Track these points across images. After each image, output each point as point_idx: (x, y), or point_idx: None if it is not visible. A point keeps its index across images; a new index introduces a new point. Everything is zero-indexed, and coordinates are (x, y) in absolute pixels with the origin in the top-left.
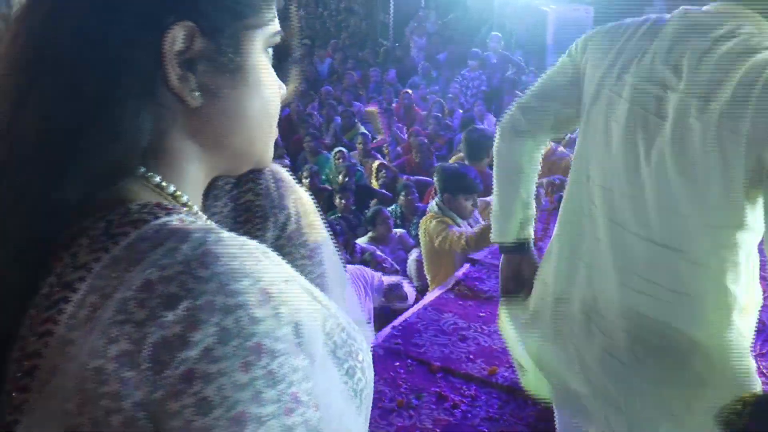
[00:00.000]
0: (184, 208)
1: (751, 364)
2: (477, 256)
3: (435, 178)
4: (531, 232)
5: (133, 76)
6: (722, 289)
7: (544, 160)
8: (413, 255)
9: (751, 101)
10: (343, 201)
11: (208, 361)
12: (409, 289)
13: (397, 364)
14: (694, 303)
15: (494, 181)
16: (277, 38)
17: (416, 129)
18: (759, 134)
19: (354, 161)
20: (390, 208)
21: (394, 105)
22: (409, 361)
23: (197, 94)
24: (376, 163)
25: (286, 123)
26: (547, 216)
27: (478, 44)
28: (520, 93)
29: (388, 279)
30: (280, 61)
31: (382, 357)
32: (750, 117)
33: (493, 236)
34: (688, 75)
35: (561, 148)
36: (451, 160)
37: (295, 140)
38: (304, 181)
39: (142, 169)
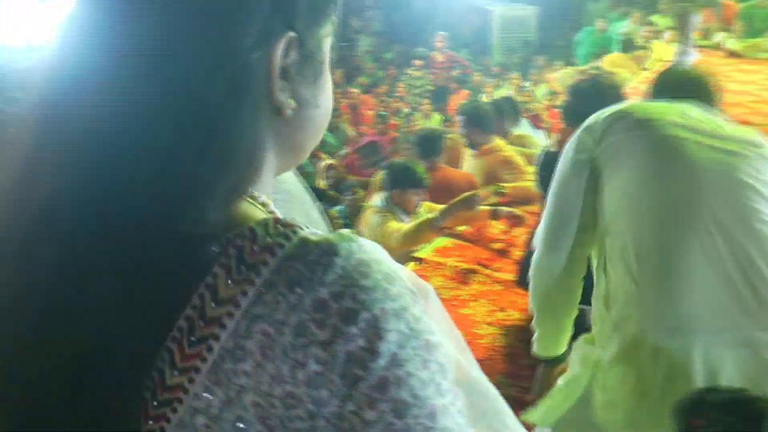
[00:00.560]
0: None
1: None
2: (423, 254)
3: (384, 174)
4: None
5: (250, 93)
6: None
7: None
8: None
9: None
10: None
11: (396, 366)
12: None
13: None
14: None
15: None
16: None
17: (362, 129)
18: None
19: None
20: (337, 209)
21: (340, 105)
22: None
23: (293, 104)
24: (323, 164)
25: None
26: None
27: (424, 44)
28: (467, 92)
29: None
30: None
31: None
32: None
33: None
34: None
35: None
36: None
37: None
38: None
39: None
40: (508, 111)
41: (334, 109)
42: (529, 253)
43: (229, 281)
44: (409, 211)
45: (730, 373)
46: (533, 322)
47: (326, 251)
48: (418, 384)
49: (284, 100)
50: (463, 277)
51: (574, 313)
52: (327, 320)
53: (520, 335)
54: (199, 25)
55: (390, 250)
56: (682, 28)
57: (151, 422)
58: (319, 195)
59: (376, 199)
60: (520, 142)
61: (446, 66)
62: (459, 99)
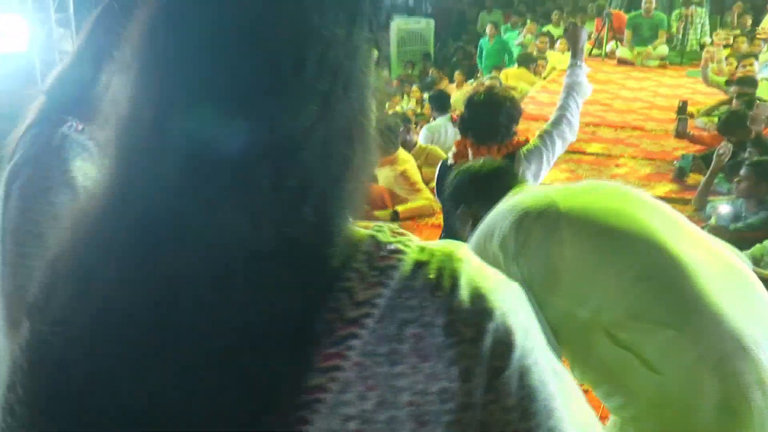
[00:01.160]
0: None
1: None
2: None
3: None
4: None
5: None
6: None
7: None
8: None
9: None
10: None
11: (525, 356)
12: None
13: None
14: None
15: None
16: None
17: None
18: None
19: None
20: None
21: None
22: None
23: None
24: None
25: None
26: None
27: None
28: None
29: None
30: None
31: None
32: None
33: None
34: None
35: None
36: None
37: None
38: None
39: None
40: (408, 123)
41: None
42: None
43: (364, 284)
44: None
45: None
46: None
47: (449, 257)
48: (539, 371)
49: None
50: None
51: None
52: (471, 319)
53: None
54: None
55: None
56: (572, 40)
57: (290, 424)
58: None
59: None
60: (424, 153)
61: None
62: None
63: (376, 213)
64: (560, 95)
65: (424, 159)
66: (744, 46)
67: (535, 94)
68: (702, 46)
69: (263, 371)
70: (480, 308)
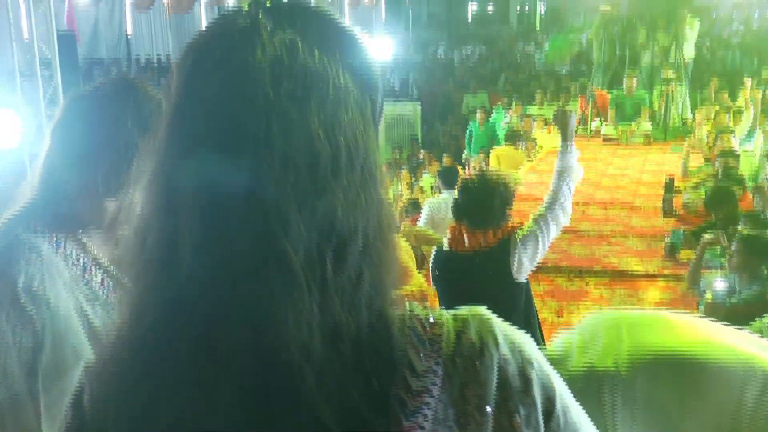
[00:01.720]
0: None
1: None
2: None
3: None
4: None
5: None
6: None
7: None
8: None
9: None
10: None
11: (563, 397)
12: None
13: None
14: None
15: None
16: None
17: None
18: None
19: None
20: None
21: None
22: None
23: None
24: None
25: None
26: None
27: None
28: None
29: None
30: None
31: None
32: None
33: None
34: None
35: None
36: None
37: None
38: None
39: None
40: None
41: None
42: None
43: (420, 357)
44: None
45: None
46: None
47: (481, 320)
48: (575, 406)
49: None
50: None
51: None
52: (517, 371)
53: None
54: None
55: None
56: (561, 124)
57: None
58: None
59: None
60: (412, 234)
61: None
62: None
63: None
64: (553, 179)
65: (414, 239)
66: (725, 121)
67: (524, 174)
68: (684, 122)
69: None
70: (522, 360)
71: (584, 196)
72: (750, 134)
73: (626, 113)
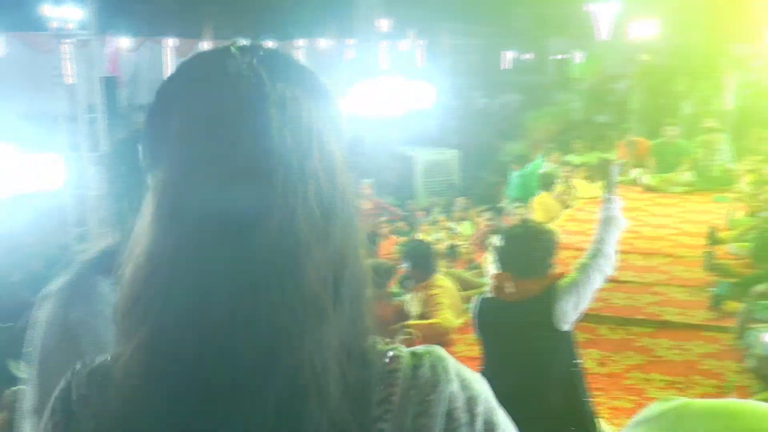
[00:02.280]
0: None
1: None
2: None
3: None
4: None
5: None
6: None
7: None
8: None
9: None
10: None
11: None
12: None
13: None
14: None
15: None
16: None
17: None
18: None
19: None
20: None
21: None
22: None
23: None
24: None
25: None
26: None
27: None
28: (395, 237)
29: None
30: None
31: None
32: None
33: None
34: None
35: None
36: None
37: None
38: None
39: None
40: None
41: None
42: None
43: (380, 387)
44: None
45: None
46: None
47: (435, 356)
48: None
49: None
50: None
51: None
52: (464, 406)
53: None
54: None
55: None
56: (604, 174)
57: None
58: None
59: None
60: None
61: (374, 213)
62: (389, 244)
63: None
64: (596, 229)
65: (459, 283)
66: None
67: (563, 223)
68: (726, 172)
69: None
70: (469, 396)
71: (625, 245)
72: None
73: (667, 162)
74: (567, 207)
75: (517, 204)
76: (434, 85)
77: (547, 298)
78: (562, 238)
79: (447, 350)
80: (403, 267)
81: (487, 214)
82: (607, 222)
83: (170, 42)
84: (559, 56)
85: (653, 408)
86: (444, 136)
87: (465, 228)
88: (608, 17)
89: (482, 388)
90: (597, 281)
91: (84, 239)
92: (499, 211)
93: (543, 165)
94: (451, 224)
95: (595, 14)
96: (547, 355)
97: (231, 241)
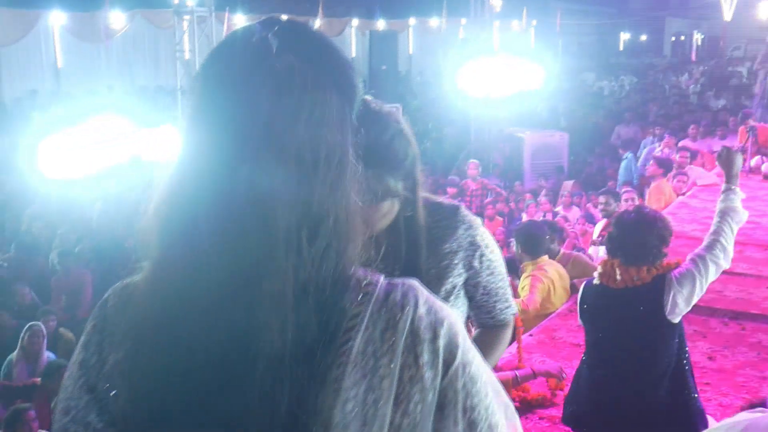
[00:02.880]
0: None
1: None
2: None
3: None
4: None
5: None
6: None
7: None
8: None
9: None
10: None
11: (466, 353)
12: None
13: None
14: None
15: None
16: None
17: None
18: None
19: None
20: None
21: None
22: None
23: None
24: None
25: None
26: None
27: (456, 171)
28: (500, 218)
29: None
30: None
31: None
32: None
33: None
34: None
35: None
36: None
37: None
38: None
39: None
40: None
41: None
42: None
43: (354, 306)
44: None
45: None
46: None
47: (409, 286)
48: (476, 363)
49: None
50: None
51: None
52: (428, 326)
53: None
54: None
55: None
56: (726, 163)
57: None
58: None
59: None
60: (569, 261)
61: (479, 193)
62: (494, 226)
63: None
64: (714, 218)
65: (571, 268)
66: None
67: (675, 210)
68: None
69: (302, 365)
70: (434, 319)
71: (742, 235)
72: None
73: None
74: (681, 194)
75: (628, 189)
76: (545, 66)
77: (657, 287)
78: (675, 226)
79: (550, 334)
80: (513, 246)
81: (602, 198)
82: (726, 213)
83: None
84: (677, 37)
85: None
86: (553, 117)
87: (573, 213)
88: None
89: (448, 315)
90: (712, 273)
91: None
92: (616, 196)
93: (657, 150)
94: (558, 208)
95: None
96: (653, 346)
97: (217, 182)
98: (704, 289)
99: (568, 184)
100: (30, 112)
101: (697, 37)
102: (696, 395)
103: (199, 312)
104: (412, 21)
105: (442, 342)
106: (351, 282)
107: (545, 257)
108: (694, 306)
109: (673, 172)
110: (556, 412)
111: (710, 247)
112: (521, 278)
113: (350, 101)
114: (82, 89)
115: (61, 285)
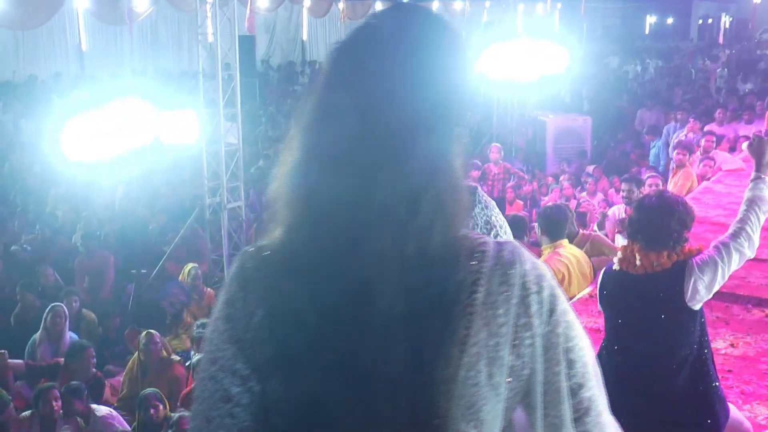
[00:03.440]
0: None
1: None
2: None
3: None
4: None
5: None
6: None
7: None
8: None
9: None
10: None
11: (564, 303)
12: None
13: None
14: None
15: None
16: None
17: None
18: None
19: None
20: None
21: None
22: None
23: None
24: None
25: None
26: None
27: (478, 155)
28: (521, 202)
29: None
30: None
31: None
32: None
33: None
34: None
35: None
36: None
37: None
38: None
39: None
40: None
41: None
42: None
43: (472, 264)
44: None
45: None
46: None
47: (514, 246)
48: (570, 310)
49: None
50: None
51: None
52: (534, 280)
53: None
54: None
55: None
56: (756, 151)
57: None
58: None
59: None
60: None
61: (501, 177)
62: (514, 210)
63: None
64: (741, 206)
65: (590, 248)
66: None
67: (699, 195)
68: None
69: (430, 318)
70: (538, 273)
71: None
72: None
73: None
74: (705, 179)
75: (653, 174)
76: (569, 49)
77: (678, 273)
78: (698, 212)
79: None
80: (535, 228)
81: (624, 185)
82: (753, 202)
83: (306, 2)
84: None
85: None
86: (577, 102)
87: (597, 199)
88: None
89: (546, 270)
90: (735, 262)
91: (215, 193)
92: (639, 183)
93: (681, 134)
94: (582, 195)
95: None
96: (673, 334)
97: (343, 166)
98: (726, 277)
99: (591, 169)
100: (54, 95)
101: (725, 20)
102: (717, 383)
103: (325, 269)
104: (435, 4)
105: (546, 293)
106: (465, 244)
107: (564, 241)
108: (717, 292)
109: (699, 157)
110: None
111: (735, 235)
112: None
113: (460, 87)
114: (106, 72)
115: (84, 267)
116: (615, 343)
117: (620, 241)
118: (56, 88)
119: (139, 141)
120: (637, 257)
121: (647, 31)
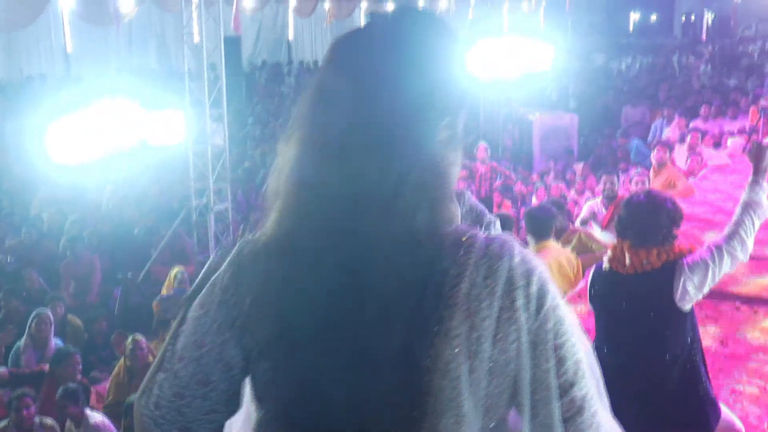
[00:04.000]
0: None
1: None
2: None
3: None
4: None
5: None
6: None
7: None
8: None
9: None
10: None
11: (554, 298)
12: None
13: None
14: None
15: None
16: None
17: None
18: None
19: None
20: None
21: None
22: None
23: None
24: None
25: None
26: None
27: (465, 155)
28: (509, 202)
29: None
30: None
31: None
32: None
33: None
34: None
35: None
36: None
37: None
38: None
39: None
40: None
41: None
42: None
43: (459, 255)
44: None
45: None
46: None
47: (506, 239)
48: (563, 307)
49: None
50: None
51: None
52: (523, 274)
53: None
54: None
55: None
56: (755, 156)
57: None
58: None
59: None
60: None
61: (488, 176)
62: (503, 209)
63: None
64: (736, 210)
65: (576, 244)
66: None
67: (687, 192)
68: None
69: (414, 306)
70: (528, 268)
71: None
72: None
73: None
74: (692, 175)
75: (638, 171)
76: (555, 46)
77: (667, 272)
78: (685, 209)
79: None
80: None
81: (606, 178)
82: (749, 206)
83: (292, 2)
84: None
85: None
86: (563, 99)
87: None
88: None
89: (539, 265)
90: (727, 265)
91: (202, 195)
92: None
93: (667, 131)
94: (571, 193)
95: None
96: (663, 334)
97: (333, 159)
98: (717, 280)
99: (579, 167)
100: (39, 96)
101: (708, 17)
102: (708, 383)
103: (317, 252)
104: (421, 2)
105: (534, 288)
106: (451, 236)
107: (550, 241)
108: None
109: (686, 153)
110: None
111: (729, 238)
112: None
113: (453, 84)
114: (92, 73)
115: (70, 270)
116: (604, 341)
117: (597, 232)
118: (41, 90)
119: (126, 142)
120: (627, 255)
121: (632, 28)
